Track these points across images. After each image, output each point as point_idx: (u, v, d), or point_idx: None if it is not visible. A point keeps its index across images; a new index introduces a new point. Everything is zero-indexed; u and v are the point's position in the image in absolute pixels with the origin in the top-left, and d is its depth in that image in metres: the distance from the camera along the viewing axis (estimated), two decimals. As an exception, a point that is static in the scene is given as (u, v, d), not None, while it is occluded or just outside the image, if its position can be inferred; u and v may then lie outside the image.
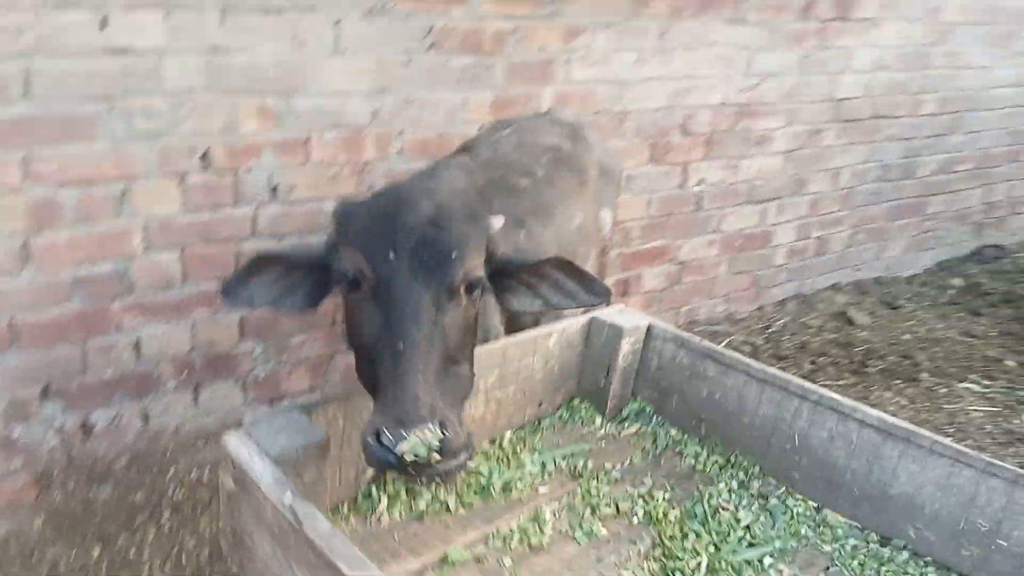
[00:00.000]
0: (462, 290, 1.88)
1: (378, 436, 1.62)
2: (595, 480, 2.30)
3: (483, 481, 2.22)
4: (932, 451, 1.98)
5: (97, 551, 3.14)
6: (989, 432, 4.23)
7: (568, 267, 2.06)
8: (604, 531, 2.10)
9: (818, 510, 2.25)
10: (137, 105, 3.22)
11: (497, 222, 2.03)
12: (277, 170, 3.62)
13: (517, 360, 2.41)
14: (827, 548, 2.10)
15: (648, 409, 2.65)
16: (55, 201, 3.19)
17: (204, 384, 3.79)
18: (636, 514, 2.17)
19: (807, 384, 2.25)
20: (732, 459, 2.41)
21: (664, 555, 2.01)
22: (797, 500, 2.26)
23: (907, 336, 5.42)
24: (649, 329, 2.60)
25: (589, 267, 2.84)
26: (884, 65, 5.60)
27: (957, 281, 6.46)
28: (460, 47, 3.88)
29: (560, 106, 3.59)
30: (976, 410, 4.46)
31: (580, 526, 2.11)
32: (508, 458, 2.35)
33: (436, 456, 1.61)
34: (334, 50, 3.57)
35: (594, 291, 2.09)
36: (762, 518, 2.17)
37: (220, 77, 3.35)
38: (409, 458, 1.59)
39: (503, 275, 2.06)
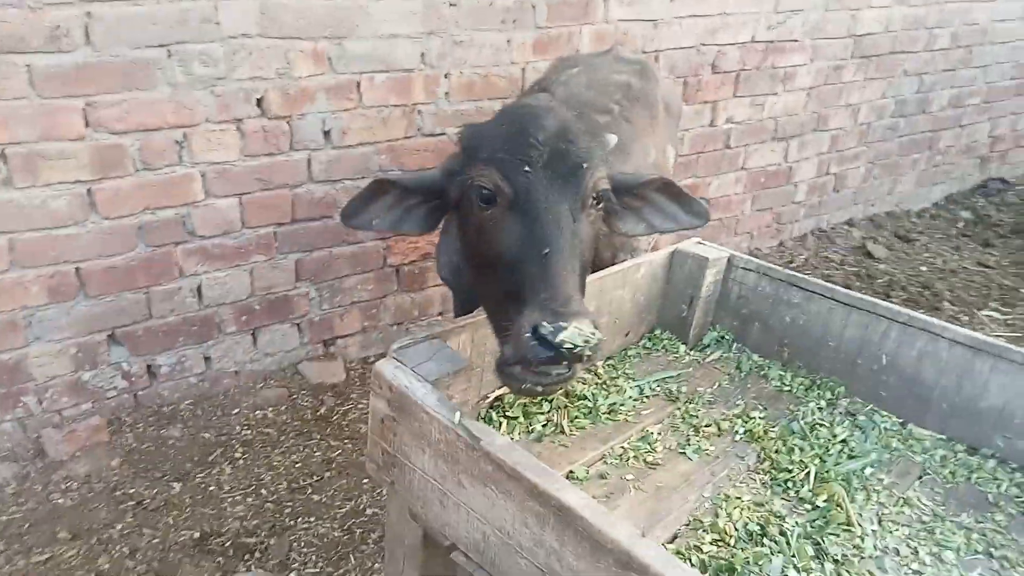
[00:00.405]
0: (591, 202, 1.95)
1: (535, 331, 1.61)
2: (691, 403, 2.42)
3: (589, 405, 2.32)
4: (1024, 364, 2.11)
5: (177, 487, 3.24)
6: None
7: (669, 188, 2.12)
8: (711, 448, 2.22)
9: (903, 425, 2.39)
10: (195, 51, 3.22)
11: (612, 139, 2.10)
12: (330, 115, 3.64)
13: (611, 291, 2.49)
14: (918, 459, 2.24)
15: (728, 337, 2.76)
16: (118, 148, 3.19)
17: (262, 327, 3.86)
18: (737, 431, 2.29)
19: (894, 306, 2.36)
20: (817, 381, 2.53)
21: (773, 467, 2.14)
22: (884, 416, 2.39)
23: (924, 268, 5.58)
24: (730, 260, 2.70)
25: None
26: (902, 0, 5.65)
27: (966, 214, 6.63)
28: (504, -13, 3.88)
29: (619, 45, 3.62)
30: (999, 335, 4.64)
31: (688, 444, 2.23)
32: (607, 384, 2.46)
33: (588, 352, 1.61)
34: (384, -9, 3.56)
35: (694, 211, 2.15)
36: (856, 434, 2.29)
37: (274, 22, 3.35)
38: (568, 346, 1.59)
39: (619, 194, 2.11)
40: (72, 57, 3.00)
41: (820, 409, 2.41)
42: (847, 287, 5.11)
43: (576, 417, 2.27)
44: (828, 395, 2.48)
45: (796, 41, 5.18)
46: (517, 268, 1.84)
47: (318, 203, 3.76)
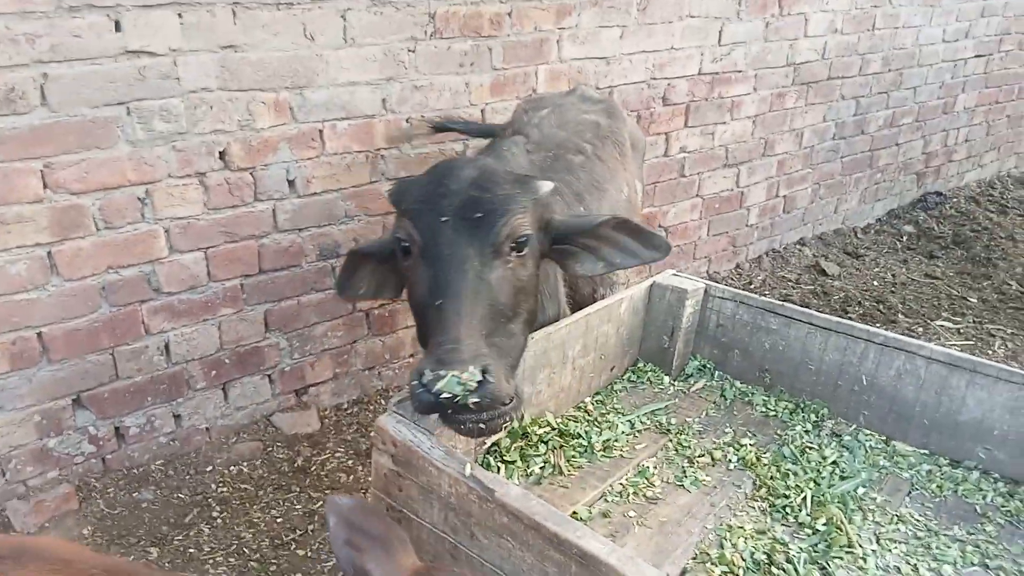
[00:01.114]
0: (507, 248, 1.95)
1: (420, 378, 1.64)
2: (682, 433, 2.45)
3: (584, 443, 2.33)
4: (999, 378, 2.19)
5: (155, 552, 3.13)
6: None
7: (625, 225, 2.13)
8: (707, 478, 2.25)
9: (886, 442, 2.46)
10: (155, 107, 3.18)
11: (545, 186, 2.11)
12: (294, 164, 3.62)
13: (596, 328, 2.52)
14: (905, 475, 2.31)
15: (710, 366, 2.81)
16: (77, 208, 3.12)
17: (233, 381, 3.78)
18: (730, 460, 2.33)
19: (871, 328, 2.44)
20: (801, 404, 2.59)
21: (770, 494, 2.18)
22: (868, 435, 2.46)
23: (876, 282, 5.77)
24: (707, 290, 2.76)
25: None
26: (836, 28, 5.89)
27: (909, 228, 6.89)
28: (460, 32, 3.93)
29: (583, 85, 3.70)
30: (953, 344, 4.81)
31: (685, 475, 2.25)
32: (598, 420, 2.48)
33: (474, 399, 1.62)
34: (343, 41, 3.57)
35: (654, 245, 2.16)
36: (844, 454, 2.35)
37: (234, 74, 3.33)
38: (446, 395, 1.60)
39: (564, 242, 2.13)
40: (28, 119, 2.93)
41: (807, 432, 2.47)
42: (805, 305, 5.26)
43: (572, 456, 2.28)
44: (813, 417, 2.54)
45: (740, 72, 5.35)
46: (424, 314, 1.91)
47: (285, 252, 3.72)
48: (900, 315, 5.24)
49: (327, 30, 3.51)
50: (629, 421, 2.48)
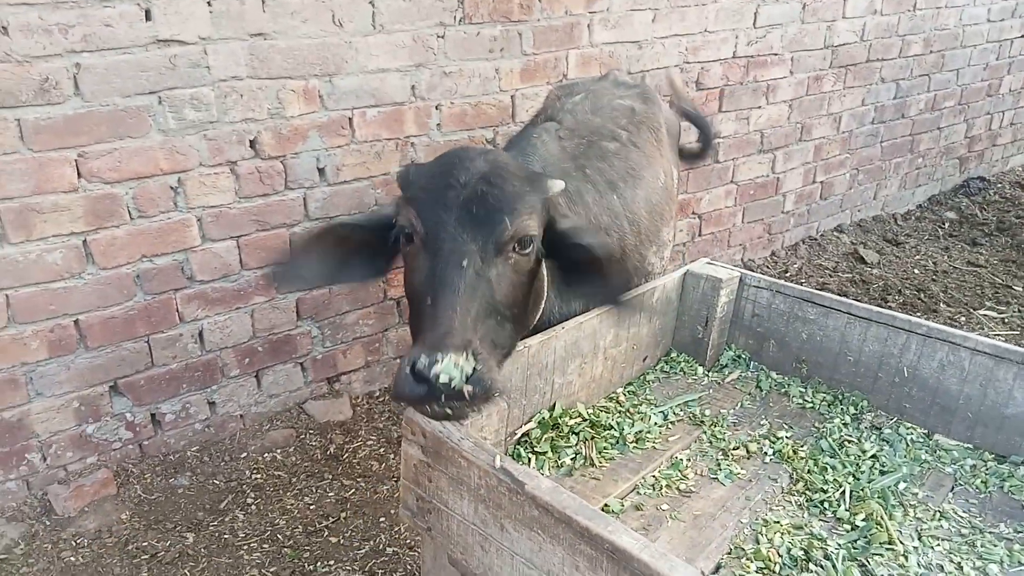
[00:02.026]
0: (511, 247, 1.92)
1: (413, 366, 1.60)
2: (716, 425, 2.40)
3: (616, 434, 2.30)
4: (1048, 370, 2.12)
5: (191, 537, 3.16)
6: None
7: (612, 264, 2.03)
8: (742, 471, 2.20)
9: (928, 436, 2.38)
10: (186, 96, 3.18)
11: (556, 185, 2.06)
12: (323, 152, 3.62)
13: (628, 318, 2.48)
14: (948, 470, 2.24)
15: (745, 356, 2.75)
16: (112, 197, 3.14)
17: (266, 369, 3.80)
18: (766, 453, 2.28)
19: (913, 318, 2.37)
20: (839, 396, 2.53)
21: (807, 488, 2.12)
22: (909, 428, 2.39)
23: (916, 270, 5.63)
24: (742, 279, 2.70)
25: (672, 223, 2.92)
26: (875, 9, 5.73)
27: (951, 214, 6.71)
28: (490, 17, 3.89)
29: (616, 70, 3.64)
30: (998, 334, 4.68)
31: (719, 468, 2.21)
32: (630, 411, 2.44)
33: (468, 388, 1.59)
34: (372, 28, 3.55)
35: (612, 292, 2.08)
36: (884, 448, 2.29)
37: (264, 62, 3.32)
38: (443, 380, 1.57)
39: (562, 247, 2.05)
40: (62, 109, 2.95)
41: (845, 425, 2.41)
42: (843, 294, 5.15)
43: (604, 448, 2.25)
44: (852, 410, 2.48)
45: (776, 55, 5.24)
46: (419, 304, 1.87)
47: (316, 241, 3.72)
48: (942, 304, 5.11)
49: (356, 16, 3.48)
50: (662, 412, 2.44)
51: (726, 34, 4.90)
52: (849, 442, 2.30)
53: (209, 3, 3.12)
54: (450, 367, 1.58)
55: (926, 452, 2.30)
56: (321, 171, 3.64)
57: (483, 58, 3.95)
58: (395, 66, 3.68)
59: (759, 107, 5.30)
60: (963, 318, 4.92)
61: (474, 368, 1.61)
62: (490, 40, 3.93)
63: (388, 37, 3.61)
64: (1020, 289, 5.28)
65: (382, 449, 3.75)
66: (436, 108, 3.89)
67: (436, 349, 1.61)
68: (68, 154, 3.02)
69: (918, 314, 4.97)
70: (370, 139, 3.74)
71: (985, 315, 4.95)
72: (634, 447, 2.27)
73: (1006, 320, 4.87)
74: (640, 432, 2.32)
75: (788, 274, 5.60)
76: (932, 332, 2.33)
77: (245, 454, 3.65)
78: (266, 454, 3.66)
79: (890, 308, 5.04)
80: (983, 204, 6.87)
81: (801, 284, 5.43)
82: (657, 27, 4.59)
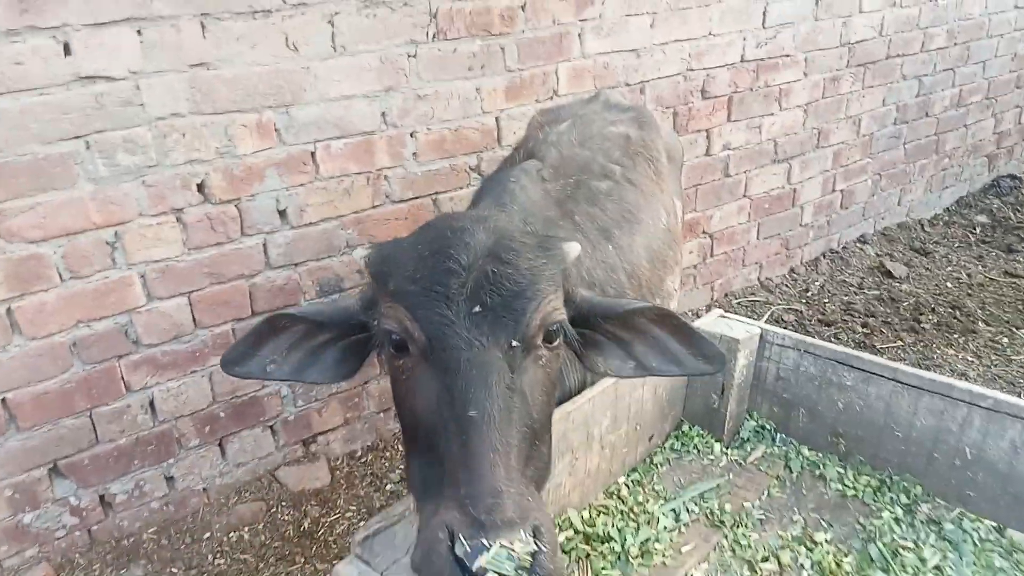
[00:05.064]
0: (540, 340, 1.49)
1: (451, 543, 1.20)
2: (738, 526, 1.97)
3: (617, 548, 1.87)
4: None
5: (144, 644, 2.77)
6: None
7: (670, 321, 1.62)
8: (775, 594, 1.78)
9: (999, 531, 1.95)
10: (117, 139, 2.80)
11: (573, 250, 1.63)
12: (284, 192, 3.22)
13: (628, 394, 2.06)
14: (1031, 579, 1.80)
15: (769, 427, 2.32)
16: (37, 258, 2.76)
17: (230, 435, 3.41)
18: (803, 567, 1.85)
19: (975, 388, 1.93)
20: (886, 481, 2.09)
21: (857, 619, 1.70)
22: (974, 522, 1.95)
23: (950, 284, 5.17)
24: (762, 336, 2.27)
25: (677, 270, 2.48)
26: (894, 1, 5.28)
27: (981, 218, 6.23)
28: (467, 31, 3.48)
29: (607, 90, 3.21)
30: (1046, 358, 4.22)
31: (745, 592, 1.78)
32: (633, 511, 2.01)
33: None
34: (332, 50, 3.14)
35: (704, 355, 1.64)
36: (949, 555, 1.85)
37: (208, 96, 2.93)
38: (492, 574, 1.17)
39: (585, 325, 1.64)
40: (-28, 161, 2.57)
41: (897, 521, 1.97)
42: (871, 314, 4.70)
43: (603, 568, 1.82)
44: (903, 499, 2.05)
45: (788, 56, 4.79)
46: (433, 440, 1.41)
47: (280, 291, 3.33)
48: (980, 323, 4.64)
49: (313, 38, 3.08)
50: (672, 511, 2.01)
51: (732, 36, 4.47)
52: (905, 549, 1.86)
53: (139, 32, 2.73)
54: (501, 561, 1.18)
55: (1000, 555, 1.86)
56: (282, 213, 3.24)
57: (462, 77, 3.54)
58: (361, 91, 3.28)
59: (772, 114, 4.85)
60: (1006, 339, 4.45)
61: (533, 553, 1.20)
62: (468, 57, 3.52)
63: (351, 60, 3.21)
64: (1067, 302, 4.81)
65: (362, 521, 3.34)
66: (411, 136, 3.48)
67: (481, 528, 1.19)
68: (-17, 212, 2.63)
69: (955, 335, 4.51)
70: (337, 174, 3.33)
71: (1030, 334, 4.49)
72: (639, 564, 1.85)
73: (1054, 340, 4.41)
74: (646, 542, 1.90)
75: (809, 293, 5.15)
76: (1000, 406, 1.89)
77: (209, 534, 3.26)
78: (232, 533, 3.26)
79: (924, 329, 4.59)
80: (1016, 205, 6.39)
81: (825, 303, 4.99)
82: (656, 32, 4.16)
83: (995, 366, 4.17)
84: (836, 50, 5.05)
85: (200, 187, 3.01)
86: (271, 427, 3.52)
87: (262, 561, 3.14)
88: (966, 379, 3.95)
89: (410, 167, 3.51)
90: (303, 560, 3.14)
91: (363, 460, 3.74)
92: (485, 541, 1.17)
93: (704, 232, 4.84)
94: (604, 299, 1.69)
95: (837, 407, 2.17)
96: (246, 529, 3.30)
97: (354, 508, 3.43)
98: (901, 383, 2.04)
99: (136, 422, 3.14)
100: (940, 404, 1.98)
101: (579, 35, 3.87)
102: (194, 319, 3.15)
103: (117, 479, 3.16)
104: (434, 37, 3.40)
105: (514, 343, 1.42)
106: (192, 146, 2.95)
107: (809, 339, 2.21)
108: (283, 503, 3.43)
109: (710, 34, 4.36)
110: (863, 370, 2.10)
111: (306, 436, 3.64)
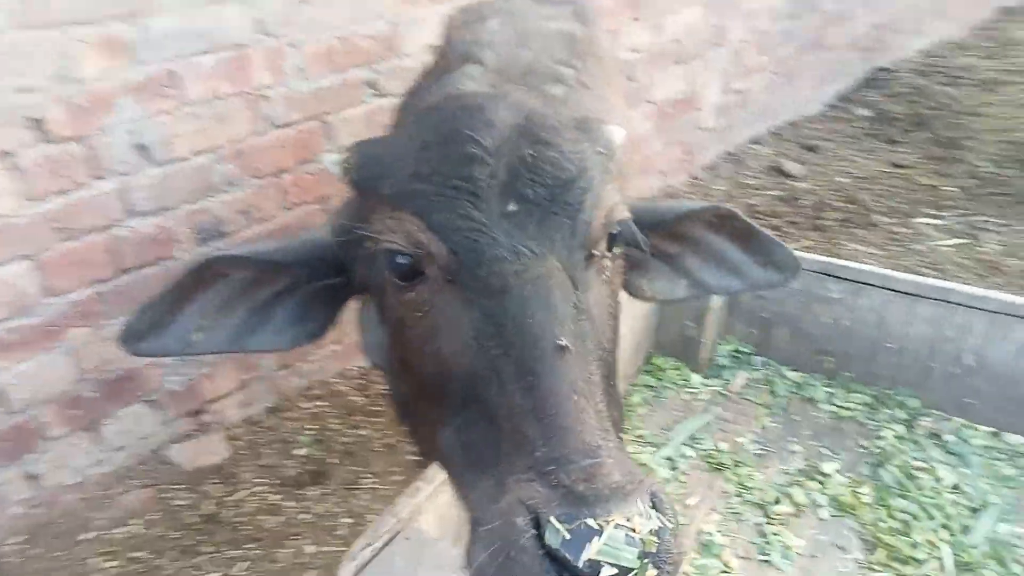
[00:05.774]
0: (602, 248, 1.16)
1: (538, 531, 0.84)
2: (740, 464, 1.77)
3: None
4: None
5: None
6: (967, 266, 4.07)
7: (731, 223, 1.34)
8: (798, 541, 1.58)
9: (995, 436, 1.84)
10: (-86, 63, 2.17)
11: (618, 134, 1.28)
12: (143, 122, 2.65)
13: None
14: (1045, 487, 1.70)
15: (745, 350, 2.12)
16: None
17: (105, 416, 2.90)
18: (819, 504, 1.67)
19: (977, 291, 1.78)
20: (880, 396, 1.94)
21: (891, 558, 1.53)
22: (976, 433, 1.84)
23: (842, 178, 5.22)
24: (738, 252, 2.03)
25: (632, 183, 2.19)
26: None
27: (863, 111, 6.32)
28: (349, -86, 2.96)
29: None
30: (944, 246, 4.31)
31: (767, 543, 1.58)
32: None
33: (652, 571, 0.87)
34: (189, -59, 2.57)
35: (775, 261, 1.38)
36: (960, 469, 1.72)
37: (37, 6, 2.31)
38: (609, 568, 0.83)
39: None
40: None
41: (900, 439, 1.82)
42: (775, 215, 4.65)
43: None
44: (901, 414, 1.90)
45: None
46: (477, 391, 1.04)
47: (150, 242, 2.80)
48: (877, 215, 4.70)
49: (164, -72, 2.50)
50: (667, 458, 1.78)
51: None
52: (919, 470, 1.71)
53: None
54: (618, 545, 0.84)
55: (1006, 462, 1.75)
56: (143, 148, 2.69)
57: (347, -26, 3.03)
58: (229, -5, 2.72)
59: (674, 11, 4.58)
60: (904, 229, 4.53)
61: (659, 527, 0.87)
62: (353, -52, 3.01)
63: (212, -45, 2.65)
64: (952, 189, 4.95)
65: (276, 496, 2.97)
66: (292, 47, 2.96)
67: (582, 502, 0.85)
68: None
69: (856, 228, 4.54)
70: (208, 97, 2.80)
71: (925, 223, 4.58)
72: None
73: (947, 227, 4.51)
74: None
75: (713, 199, 5.05)
76: (1005, 307, 1.74)
77: (91, 534, 2.78)
78: (119, 528, 2.81)
79: (827, 226, 4.58)
80: (892, 97, 6.51)
81: (730, 207, 4.90)
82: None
83: (895, 256, 4.23)
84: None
85: (37, 122, 2.42)
86: (153, 401, 3.03)
87: (161, 556, 2.72)
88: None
89: (295, 84, 3.01)
90: (212, 549, 2.74)
91: (265, 425, 3.32)
92: (592, 522, 0.85)
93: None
94: (649, 204, 1.38)
95: (821, 323, 1.98)
96: (137, 522, 2.85)
97: (264, 480, 3.04)
98: (894, 291, 1.86)
99: (-15, 415, 2.59)
100: (938, 311, 1.82)
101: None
102: (43, 286, 2.59)
103: (-32, 483, 2.63)
104: (309, -75, 2.87)
105: (573, 252, 1.08)
106: (19, 71, 2.35)
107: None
108: (176, 486, 2.99)
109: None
110: (851, 280, 1.92)
111: (195, 406, 3.17)
